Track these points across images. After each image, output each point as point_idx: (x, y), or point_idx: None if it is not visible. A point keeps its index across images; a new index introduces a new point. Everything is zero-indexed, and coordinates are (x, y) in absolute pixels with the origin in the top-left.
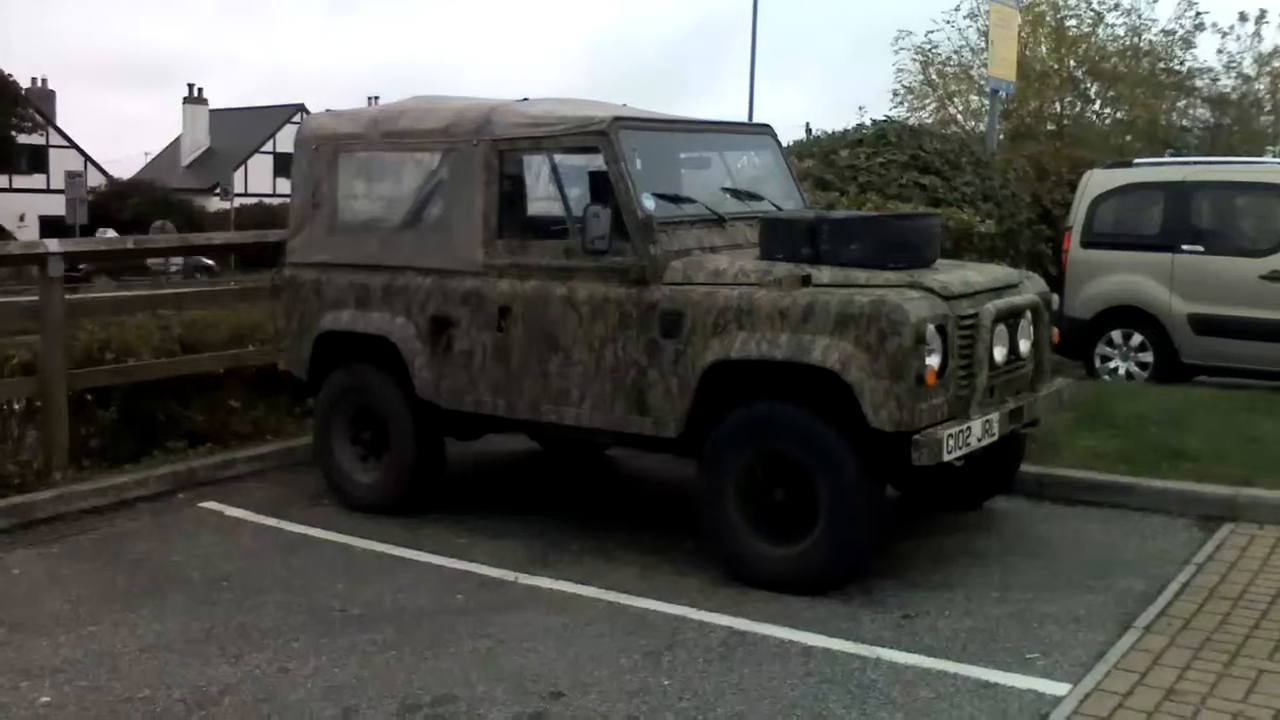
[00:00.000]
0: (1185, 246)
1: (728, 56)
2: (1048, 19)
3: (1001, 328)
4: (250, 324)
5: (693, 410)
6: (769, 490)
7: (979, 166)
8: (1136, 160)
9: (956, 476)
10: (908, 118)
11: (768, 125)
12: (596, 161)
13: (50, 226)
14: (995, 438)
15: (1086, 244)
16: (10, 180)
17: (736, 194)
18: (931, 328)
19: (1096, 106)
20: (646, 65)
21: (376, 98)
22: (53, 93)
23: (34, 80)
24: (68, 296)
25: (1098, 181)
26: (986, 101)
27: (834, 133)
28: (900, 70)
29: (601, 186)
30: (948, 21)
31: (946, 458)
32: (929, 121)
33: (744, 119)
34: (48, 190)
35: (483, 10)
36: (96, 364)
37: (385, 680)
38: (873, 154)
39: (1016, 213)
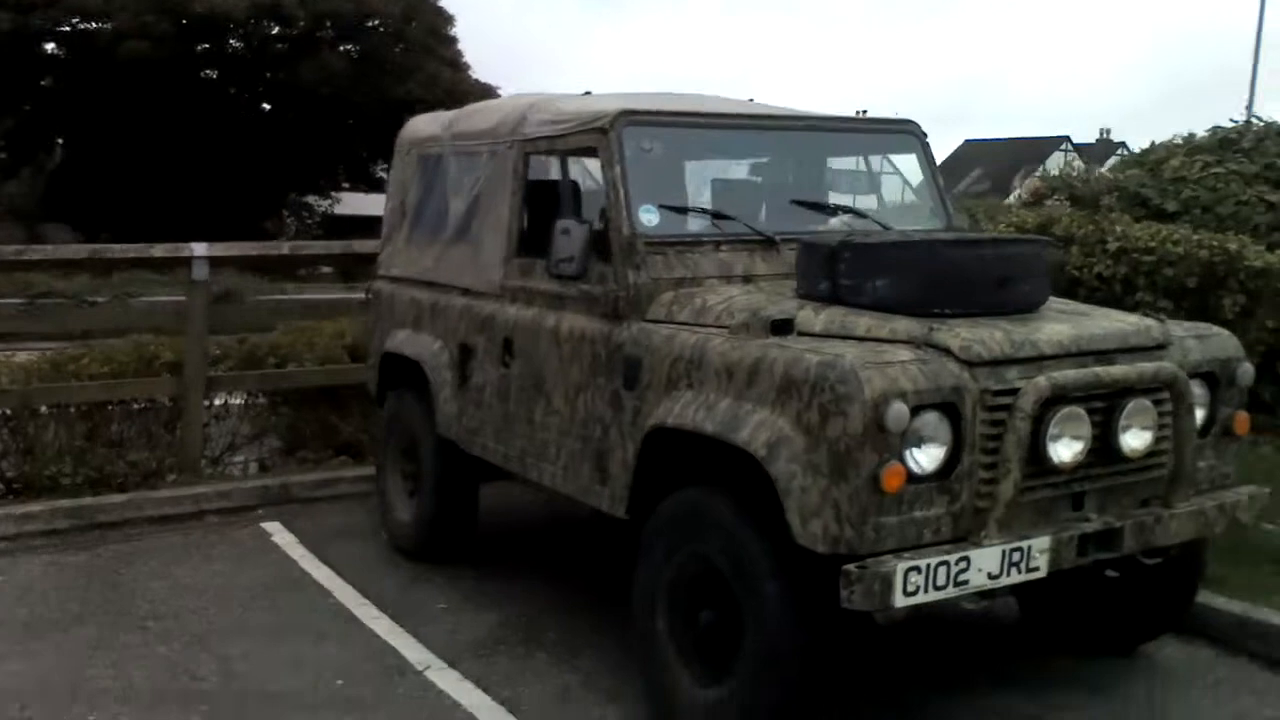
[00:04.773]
0: None
1: None
2: None
3: (1076, 410)
4: None
5: (636, 487)
6: (697, 608)
7: None
8: None
9: (1098, 604)
10: None
11: (910, 121)
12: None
13: None
14: (1040, 573)
15: None
16: None
17: (823, 208)
18: (901, 406)
19: None
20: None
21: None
22: None
23: None
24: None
25: None
26: None
27: (1186, 139)
28: None
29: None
30: None
31: (902, 603)
32: None
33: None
34: None
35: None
36: (258, 367)
37: None
38: (1214, 163)
39: None
